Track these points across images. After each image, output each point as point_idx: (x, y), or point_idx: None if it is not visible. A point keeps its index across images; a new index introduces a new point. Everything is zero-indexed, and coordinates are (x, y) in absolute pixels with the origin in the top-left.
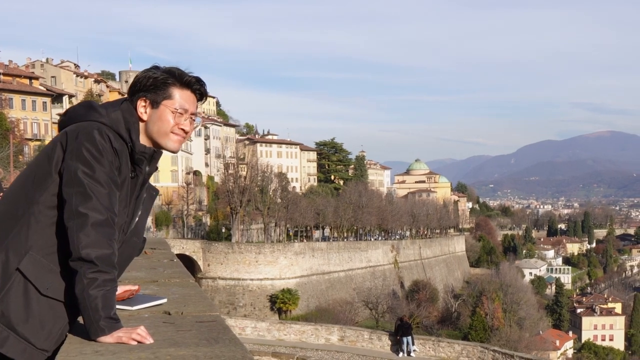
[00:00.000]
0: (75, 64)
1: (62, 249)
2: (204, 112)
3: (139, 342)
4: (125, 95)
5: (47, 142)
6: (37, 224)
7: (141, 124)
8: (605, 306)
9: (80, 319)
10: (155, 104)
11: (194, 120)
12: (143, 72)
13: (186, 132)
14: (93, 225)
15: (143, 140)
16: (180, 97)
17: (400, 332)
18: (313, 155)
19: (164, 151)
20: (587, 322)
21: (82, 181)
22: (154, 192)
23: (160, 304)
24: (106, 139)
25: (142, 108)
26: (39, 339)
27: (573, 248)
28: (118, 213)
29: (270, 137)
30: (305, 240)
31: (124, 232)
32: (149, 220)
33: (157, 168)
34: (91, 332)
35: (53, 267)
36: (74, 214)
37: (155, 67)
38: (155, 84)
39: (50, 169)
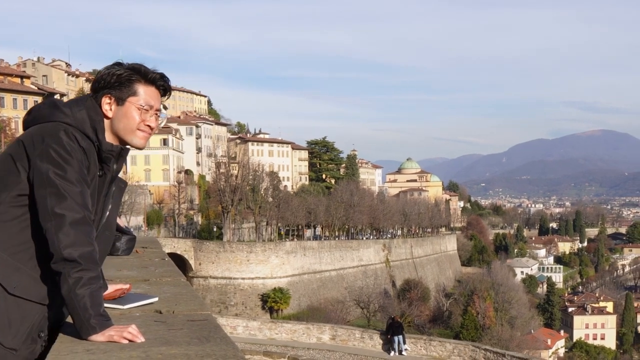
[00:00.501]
0: (66, 63)
1: (30, 248)
2: (195, 111)
3: (130, 340)
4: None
5: None
6: (3, 223)
7: (106, 121)
8: (596, 305)
9: (70, 319)
10: (120, 101)
11: (158, 116)
12: (106, 69)
13: (152, 128)
14: (71, 225)
15: (109, 137)
16: (145, 93)
17: (391, 332)
18: (304, 154)
19: (153, 152)
20: (578, 321)
21: (55, 182)
22: (123, 184)
23: (152, 303)
24: (73, 140)
25: (107, 105)
26: (6, 338)
27: (564, 247)
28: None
29: (261, 136)
30: (296, 239)
31: (96, 228)
32: (140, 220)
33: (124, 165)
34: (82, 332)
35: (20, 266)
36: (50, 215)
37: (119, 64)
38: (119, 80)
39: (15, 168)
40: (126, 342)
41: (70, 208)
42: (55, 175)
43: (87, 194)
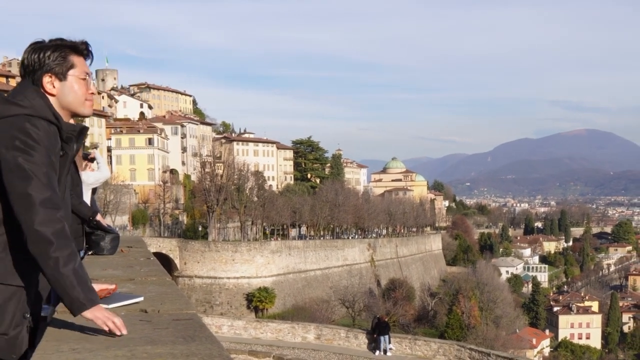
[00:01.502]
0: None
1: (3, 235)
2: (180, 111)
3: (110, 330)
4: (99, 90)
5: None
6: None
7: (51, 99)
8: (582, 304)
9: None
10: (61, 77)
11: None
12: (34, 52)
13: (93, 95)
14: (40, 204)
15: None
16: (79, 63)
17: (378, 331)
18: (289, 154)
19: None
20: (563, 320)
21: (23, 166)
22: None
23: (137, 302)
24: (40, 127)
25: (49, 84)
26: None
27: (550, 246)
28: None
29: (246, 135)
30: (281, 239)
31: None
32: (126, 219)
33: (84, 143)
34: (73, 310)
35: None
36: (19, 196)
37: (40, 43)
38: (54, 57)
39: None
40: (107, 329)
41: (37, 188)
42: (23, 160)
43: (55, 178)
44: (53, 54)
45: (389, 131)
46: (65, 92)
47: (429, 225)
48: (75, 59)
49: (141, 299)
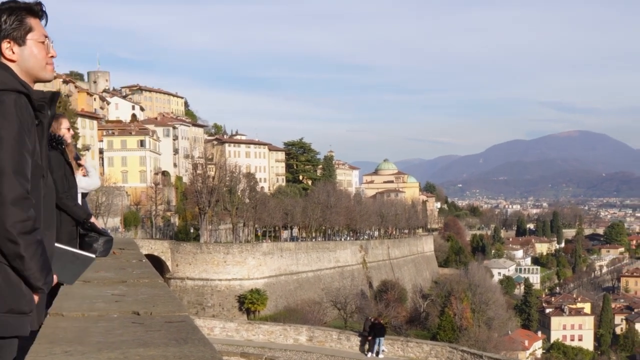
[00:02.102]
0: None
1: None
2: (172, 113)
3: None
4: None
5: None
6: None
7: (12, 66)
8: (574, 306)
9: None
10: (21, 42)
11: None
12: None
13: (53, 57)
14: (12, 203)
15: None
16: (37, 26)
17: (373, 333)
18: (281, 156)
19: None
20: (556, 322)
21: None
22: None
23: (89, 259)
24: (9, 102)
25: (9, 50)
26: (24, 306)
27: (542, 248)
28: (34, 164)
29: (238, 137)
30: (273, 241)
31: (44, 176)
32: (118, 221)
33: (56, 110)
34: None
35: None
36: None
37: None
38: (11, 21)
39: None
40: None
41: (9, 184)
42: None
43: (28, 163)
44: (9, 18)
45: (381, 133)
46: (25, 57)
47: (421, 227)
48: (32, 22)
49: (93, 256)
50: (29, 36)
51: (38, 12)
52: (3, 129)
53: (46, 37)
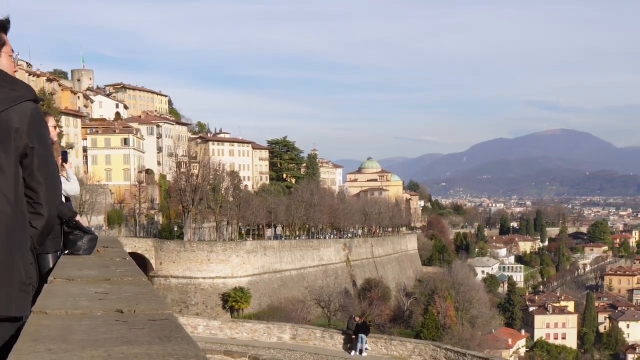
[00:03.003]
0: (27, 63)
1: None
2: (156, 111)
3: None
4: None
5: None
6: None
7: None
8: (558, 305)
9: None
10: None
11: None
12: None
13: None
14: None
15: None
16: (7, 40)
17: (357, 331)
18: (265, 154)
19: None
20: (539, 320)
21: None
22: None
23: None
24: None
25: None
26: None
27: (526, 247)
28: None
29: (222, 135)
30: (257, 239)
31: None
32: (102, 219)
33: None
34: None
35: None
36: None
37: None
38: None
39: None
40: None
41: None
42: None
43: None
44: None
45: (365, 131)
46: None
47: (404, 225)
48: (4, 37)
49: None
50: (4, 49)
51: (8, 28)
52: None
53: (12, 51)
